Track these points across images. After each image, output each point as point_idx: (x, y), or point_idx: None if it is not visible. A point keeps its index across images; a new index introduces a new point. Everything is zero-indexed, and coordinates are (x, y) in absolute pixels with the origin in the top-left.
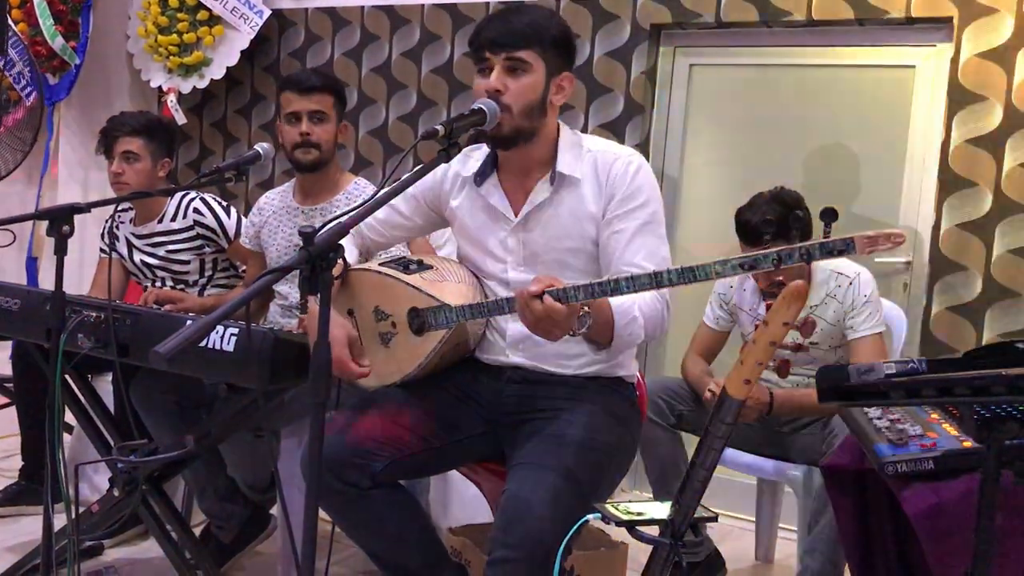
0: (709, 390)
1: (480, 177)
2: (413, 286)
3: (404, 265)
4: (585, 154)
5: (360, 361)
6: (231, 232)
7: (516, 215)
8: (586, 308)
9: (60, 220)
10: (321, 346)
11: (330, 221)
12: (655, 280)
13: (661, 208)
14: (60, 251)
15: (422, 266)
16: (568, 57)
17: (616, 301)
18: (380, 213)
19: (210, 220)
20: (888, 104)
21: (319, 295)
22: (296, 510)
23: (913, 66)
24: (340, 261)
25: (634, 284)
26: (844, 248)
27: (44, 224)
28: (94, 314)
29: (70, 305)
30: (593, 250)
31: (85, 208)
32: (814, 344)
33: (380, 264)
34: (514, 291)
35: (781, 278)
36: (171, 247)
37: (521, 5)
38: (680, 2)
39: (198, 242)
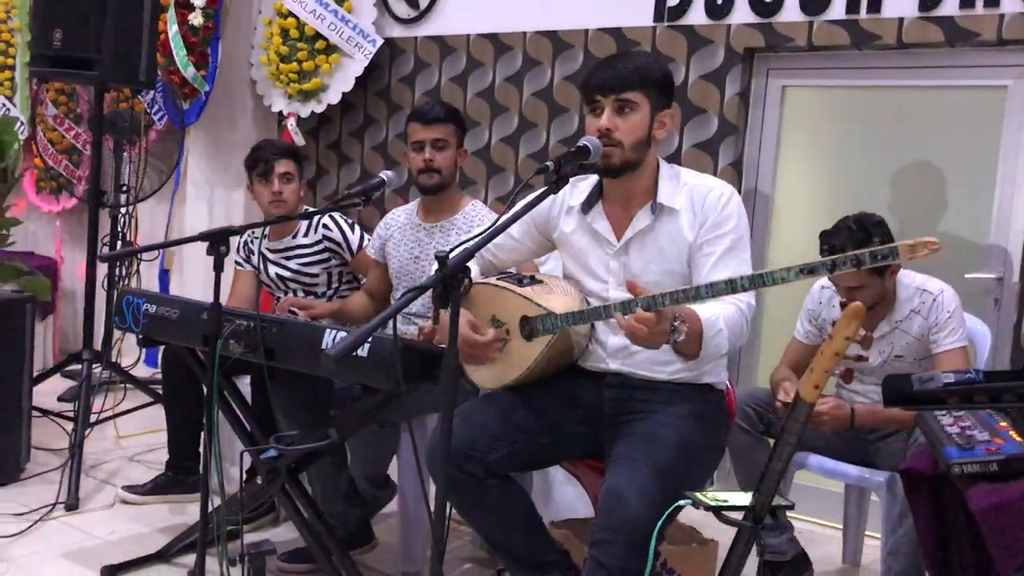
0: (779, 399)
1: (587, 206)
2: (525, 297)
3: (518, 280)
4: (682, 187)
5: (483, 332)
6: (355, 246)
7: (618, 240)
8: (680, 320)
9: (218, 241)
10: (451, 354)
11: (459, 245)
12: (730, 286)
13: (747, 235)
14: (218, 267)
15: (534, 280)
16: (669, 95)
17: (704, 315)
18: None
19: (336, 235)
20: (979, 123)
21: (450, 309)
22: (415, 495)
23: (1005, 86)
24: (467, 280)
25: (711, 290)
26: (888, 254)
27: None
28: (244, 322)
29: (224, 315)
30: (687, 273)
31: (239, 230)
32: (899, 357)
33: (497, 279)
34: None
35: (862, 296)
36: (302, 260)
37: (628, 51)
38: (773, 27)
39: (325, 255)
